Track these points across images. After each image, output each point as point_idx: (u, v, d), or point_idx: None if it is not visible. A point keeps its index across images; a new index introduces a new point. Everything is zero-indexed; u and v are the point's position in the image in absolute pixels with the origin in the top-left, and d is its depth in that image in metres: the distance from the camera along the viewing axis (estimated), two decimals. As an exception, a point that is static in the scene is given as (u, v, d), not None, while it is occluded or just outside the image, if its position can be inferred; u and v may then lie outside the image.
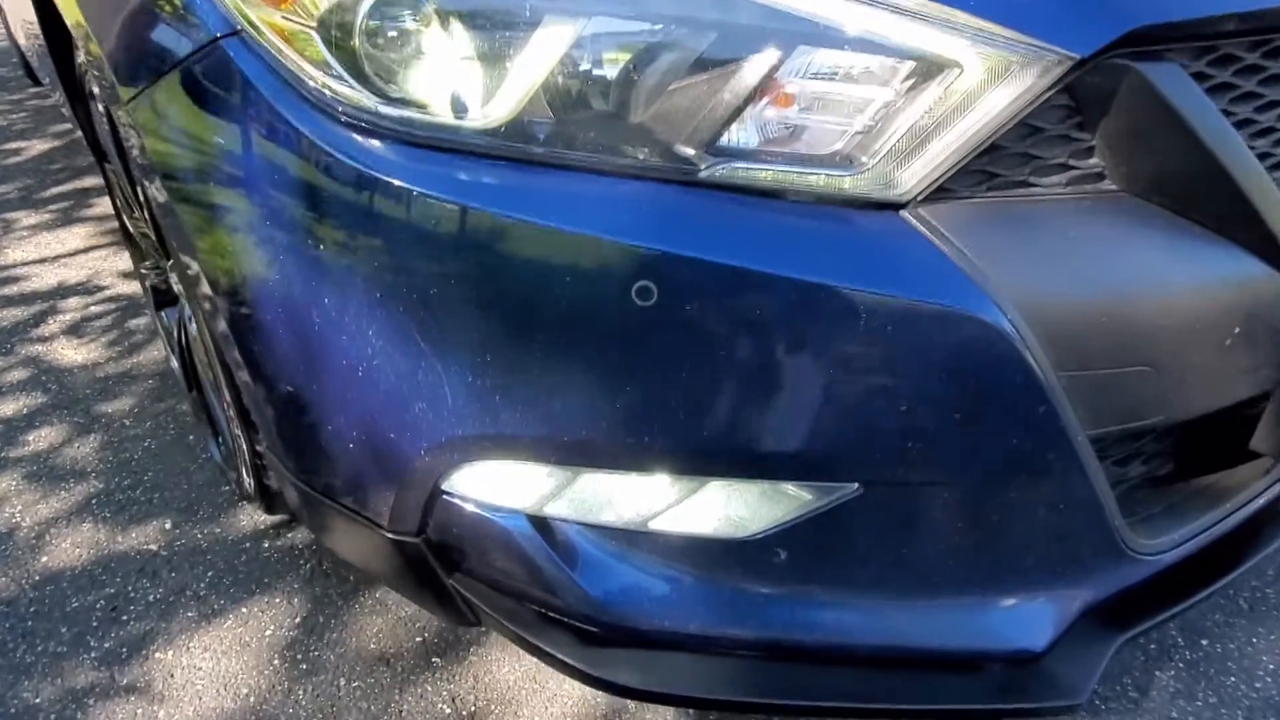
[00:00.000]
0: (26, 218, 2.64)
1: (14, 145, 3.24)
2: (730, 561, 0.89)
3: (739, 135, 0.75)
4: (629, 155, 0.75)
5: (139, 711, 1.18)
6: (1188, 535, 1.02)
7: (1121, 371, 0.83)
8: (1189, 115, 0.77)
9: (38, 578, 1.38)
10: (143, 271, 1.70)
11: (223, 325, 0.99)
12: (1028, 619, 0.94)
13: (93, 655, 1.25)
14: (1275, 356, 0.89)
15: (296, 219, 0.81)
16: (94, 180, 2.89)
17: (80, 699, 1.19)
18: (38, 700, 1.19)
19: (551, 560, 0.90)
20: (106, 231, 2.55)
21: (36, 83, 3.37)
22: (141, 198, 1.30)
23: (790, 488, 0.85)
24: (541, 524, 0.90)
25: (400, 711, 1.18)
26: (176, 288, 1.39)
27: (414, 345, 0.81)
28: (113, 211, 2.63)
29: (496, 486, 0.87)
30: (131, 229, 1.65)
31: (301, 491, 1.06)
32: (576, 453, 0.82)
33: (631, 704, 1.18)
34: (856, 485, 0.84)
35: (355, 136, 0.78)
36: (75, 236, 2.52)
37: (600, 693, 1.19)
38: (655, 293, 0.74)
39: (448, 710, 1.18)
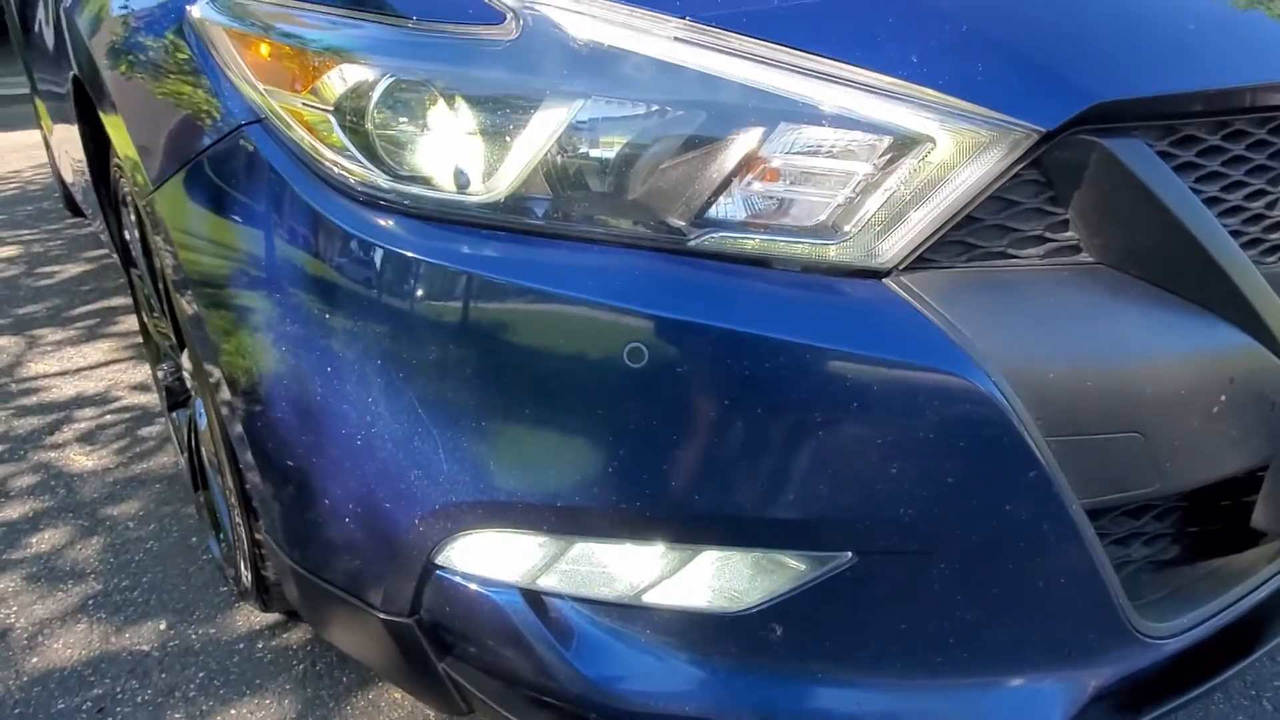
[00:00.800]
0: (52, 334, 2.71)
1: (48, 269, 3.37)
2: (726, 639, 0.88)
3: (726, 207, 0.79)
4: (622, 226, 0.79)
5: (117, 815, 1.13)
6: (1197, 620, 0.99)
7: (1110, 438, 0.83)
8: (1157, 190, 0.80)
9: (26, 678, 1.35)
10: (159, 373, 1.74)
11: (226, 403, 1.02)
12: (1036, 702, 0.90)
13: (74, 757, 1.21)
14: (1265, 428, 0.90)
15: (309, 288, 0.84)
16: (120, 300, 2.99)
17: (57, 802, 1.15)
18: (13, 803, 1.15)
19: (544, 638, 0.88)
20: (128, 346, 2.62)
21: (76, 213, 3.53)
22: (161, 292, 1.35)
23: (784, 558, 0.84)
24: (535, 600, 0.89)
25: (388, 817, 1.13)
26: (188, 379, 1.42)
27: (412, 412, 0.83)
28: (136, 327, 2.72)
29: (489, 559, 0.87)
30: (151, 328, 1.71)
31: (299, 578, 1.05)
32: (569, 520, 0.82)
33: (630, 810, 1.12)
34: (850, 555, 0.83)
35: (367, 211, 0.82)
36: (97, 351, 2.59)
37: (597, 798, 1.14)
38: (646, 355, 0.76)
39: (438, 815, 1.13)
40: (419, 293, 0.81)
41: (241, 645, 1.41)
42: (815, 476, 0.79)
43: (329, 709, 1.28)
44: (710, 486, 0.79)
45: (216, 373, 1.02)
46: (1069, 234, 0.84)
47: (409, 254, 0.81)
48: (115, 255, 2.14)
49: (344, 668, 1.36)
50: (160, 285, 1.39)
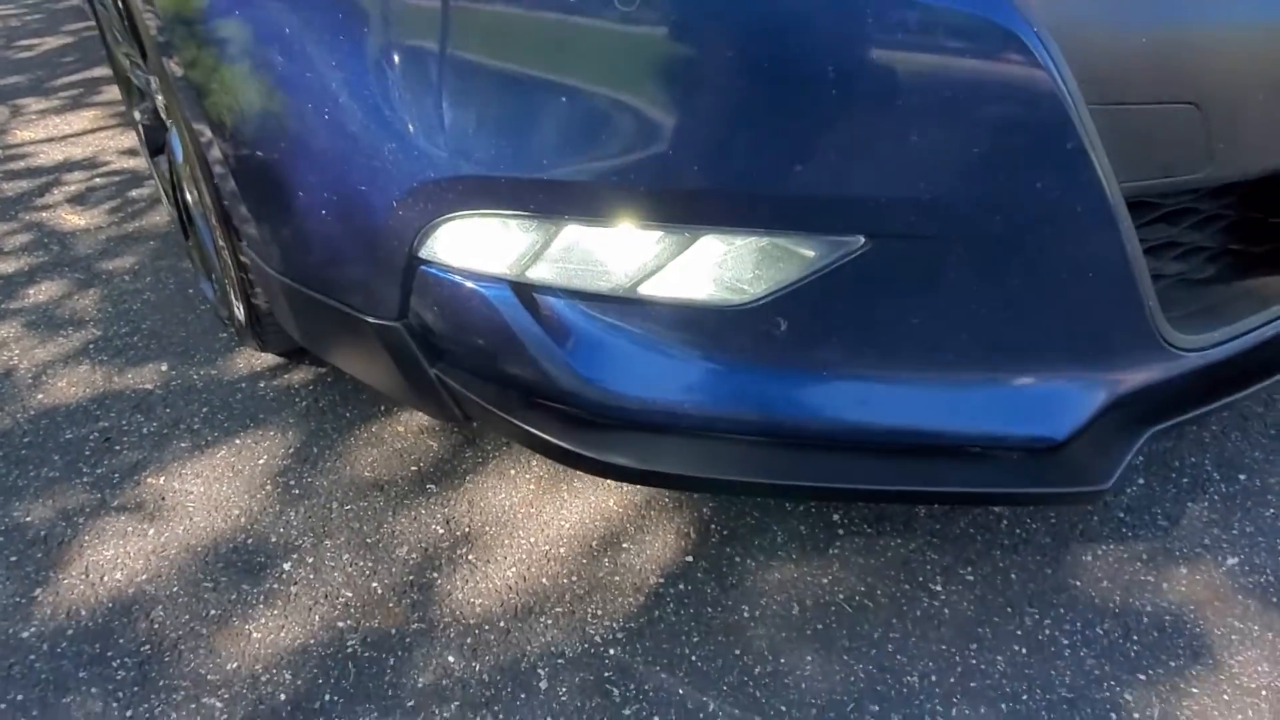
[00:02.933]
0: (35, 103, 2.59)
1: (27, 42, 3.19)
2: (729, 333, 0.83)
3: None
4: None
5: (129, 529, 1.15)
6: (1228, 336, 0.94)
7: (1160, 108, 0.75)
8: None
9: (33, 412, 1.35)
10: (136, 115, 1.65)
11: (194, 109, 0.94)
12: (1050, 404, 0.87)
13: (84, 480, 1.23)
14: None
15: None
16: (103, 70, 2.84)
17: (70, 518, 1.17)
18: (28, 519, 1.17)
19: (538, 336, 0.84)
20: (113, 115, 2.50)
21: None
22: (122, 9, 1.24)
23: (792, 244, 0.78)
24: (527, 295, 0.84)
25: (393, 532, 1.14)
26: (163, 111, 1.34)
27: (378, 73, 0.74)
28: (120, 98, 2.59)
29: (475, 249, 0.82)
30: (121, 61, 1.59)
31: (288, 292, 1.01)
32: (557, 198, 0.76)
33: (629, 525, 1.14)
34: (862, 240, 0.77)
35: None
36: (82, 119, 2.48)
37: (595, 514, 1.15)
38: (640, -6, 0.67)
39: (441, 531, 1.14)
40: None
41: (243, 384, 1.40)
42: (827, 143, 0.71)
43: (332, 440, 1.29)
44: (709, 154, 0.72)
45: (179, 76, 0.94)
46: None
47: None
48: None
49: (346, 404, 1.35)
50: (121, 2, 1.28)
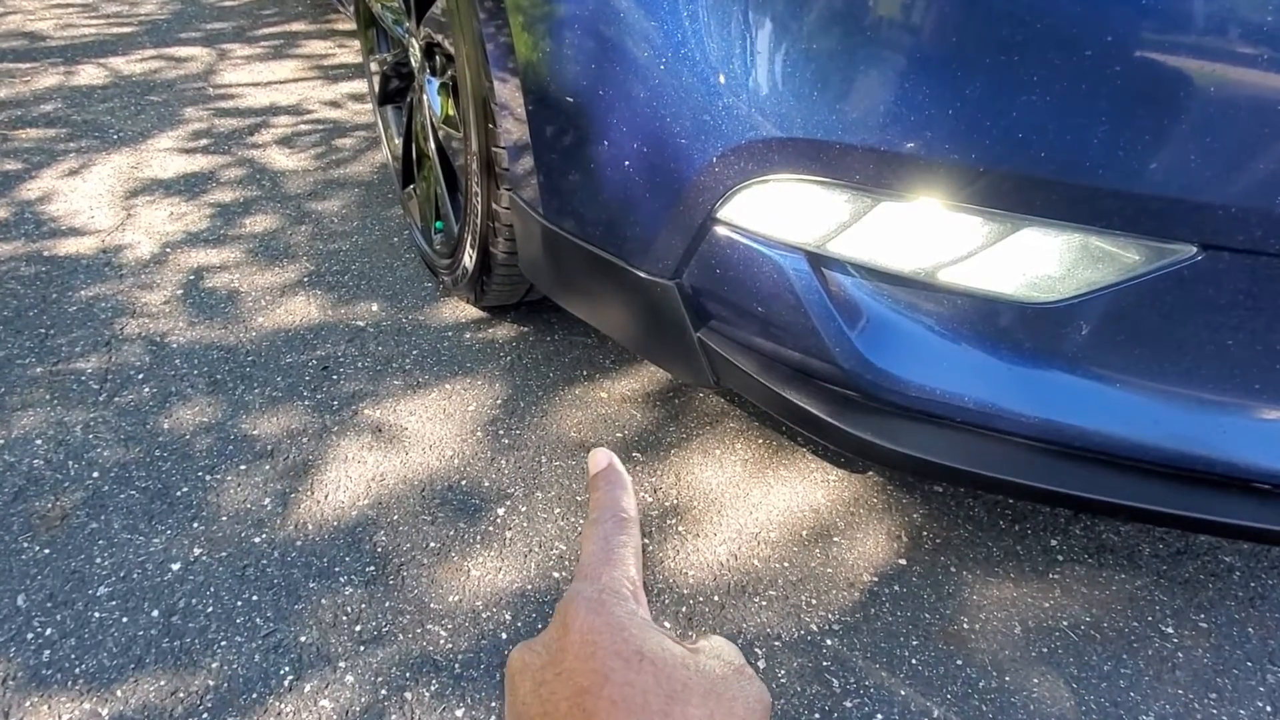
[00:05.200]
0: (240, 49, 2.73)
1: (227, -6, 3.37)
2: (1024, 331, 0.81)
3: None
4: None
5: (348, 455, 1.19)
6: None
7: None
8: None
9: (256, 334, 1.41)
10: (373, 65, 1.71)
11: (503, 53, 0.96)
12: (1356, 450, 0.82)
13: (306, 403, 1.27)
14: None
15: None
16: (302, 25, 2.98)
17: (294, 437, 1.21)
18: (255, 433, 1.22)
19: (826, 310, 0.83)
20: (313, 67, 2.62)
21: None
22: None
23: (1115, 246, 0.76)
24: (819, 269, 0.83)
25: (602, 493, 1.15)
26: (415, 61, 1.38)
27: (726, 26, 0.75)
28: (320, 51, 2.71)
29: (780, 215, 0.81)
30: (378, 12, 1.65)
31: (550, 239, 1.03)
32: (886, 170, 0.75)
33: (838, 519, 1.12)
34: (1195, 249, 0.74)
35: None
36: (285, 69, 2.59)
37: (804, 505, 1.14)
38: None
39: (650, 499, 1.15)
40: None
41: (450, 333, 1.44)
42: (1187, 141, 0.68)
43: (537, 397, 1.31)
44: (1058, 140, 0.70)
45: (484, 17, 0.96)
46: None
47: None
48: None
49: (549, 364, 1.38)
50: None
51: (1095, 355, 0.81)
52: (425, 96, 1.34)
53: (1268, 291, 0.75)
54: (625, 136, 0.85)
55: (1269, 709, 0.93)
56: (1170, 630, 1.01)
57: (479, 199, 1.16)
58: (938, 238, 0.78)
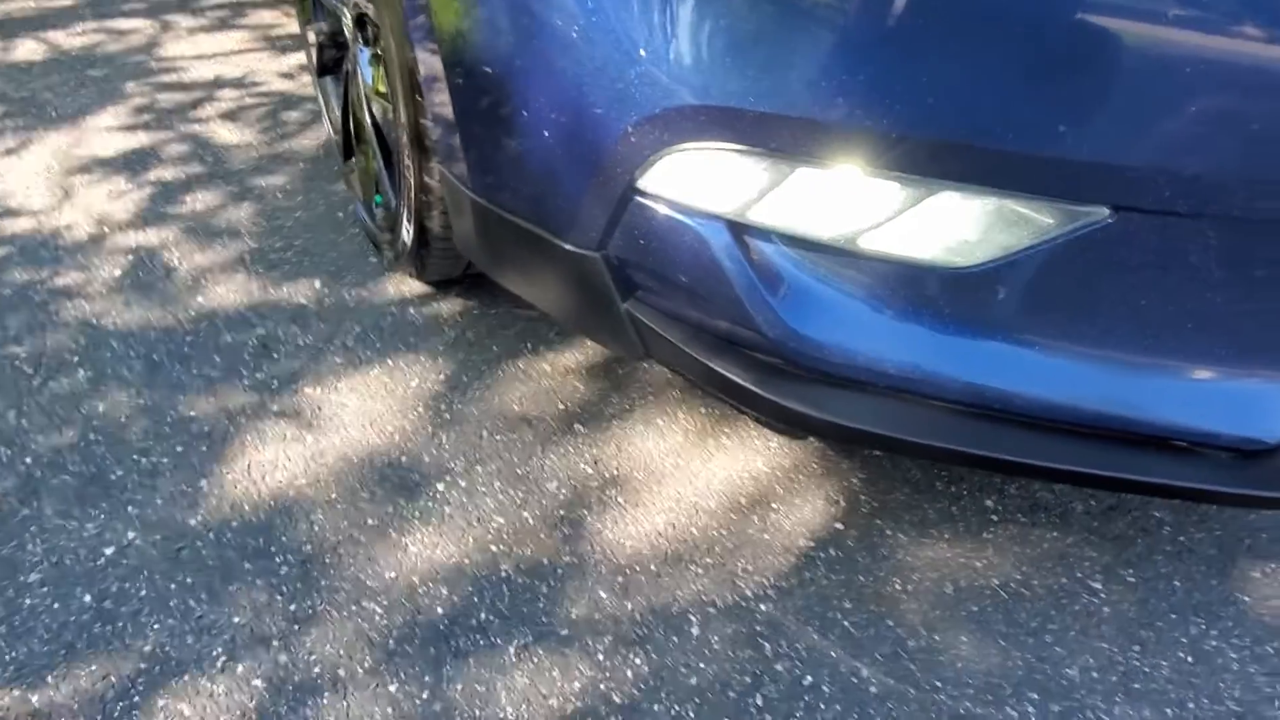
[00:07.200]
0: (184, 21, 2.66)
1: (173, -36, 3.28)
2: (944, 295, 0.81)
3: None
4: None
5: (287, 434, 1.18)
6: None
7: None
8: None
9: (194, 313, 1.39)
10: (310, 35, 1.68)
11: (425, 26, 0.94)
12: (1266, 406, 0.83)
13: (245, 383, 1.26)
14: None
15: None
16: (249, -4, 2.91)
17: (233, 417, 1.20)
18: (192, 413, 1.21)
19: (749, 278, 0.83)
20: (260, 38, 2.56)
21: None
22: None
23: (1029, 209, 0.76)
24: (741, 236, 0.83)
25: (542, 466, 1.15)
26: (348, 30, 1.35)
27: (639, -2, 0.74)
28: (267, 21, 2.65)
29: (699, 184, 0.81)
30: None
31: (479, 212, 1.01)
32: (802, 137, 0.74)
33: (777, 487, 1.13)
34: (1107, 211, 0.74)
35: None
36: (231, 40, 2.53)
37: (743, 473, 1.15)
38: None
39: (589, 470, 1.15)
40: None
41: (393, 309, 1.42)
42: (1099, 105, 0.69)
43: (480, 371, 1.30)
44: (973, 105, 0.70)
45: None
46: None
47: None
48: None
49: (493, 338, 1.37)
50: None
51: (1015, 319, 0.82)
52: (359, 68, 1.32)
53: (1178, 252, 0.76)
54: (544, 107, 0.84)
55: (1190, 659, 0.96)
56: (1098, 585, 1.03)
57: (411, 172, 1.14)
58: (856, 204, 0.78)
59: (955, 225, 0.78)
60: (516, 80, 0.85)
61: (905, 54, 0.69)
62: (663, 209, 0.83)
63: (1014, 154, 0.71)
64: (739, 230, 0.83)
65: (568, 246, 0.92)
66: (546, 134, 0.85)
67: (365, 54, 1.28)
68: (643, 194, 0.83)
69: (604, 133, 0.80)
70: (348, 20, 1.34)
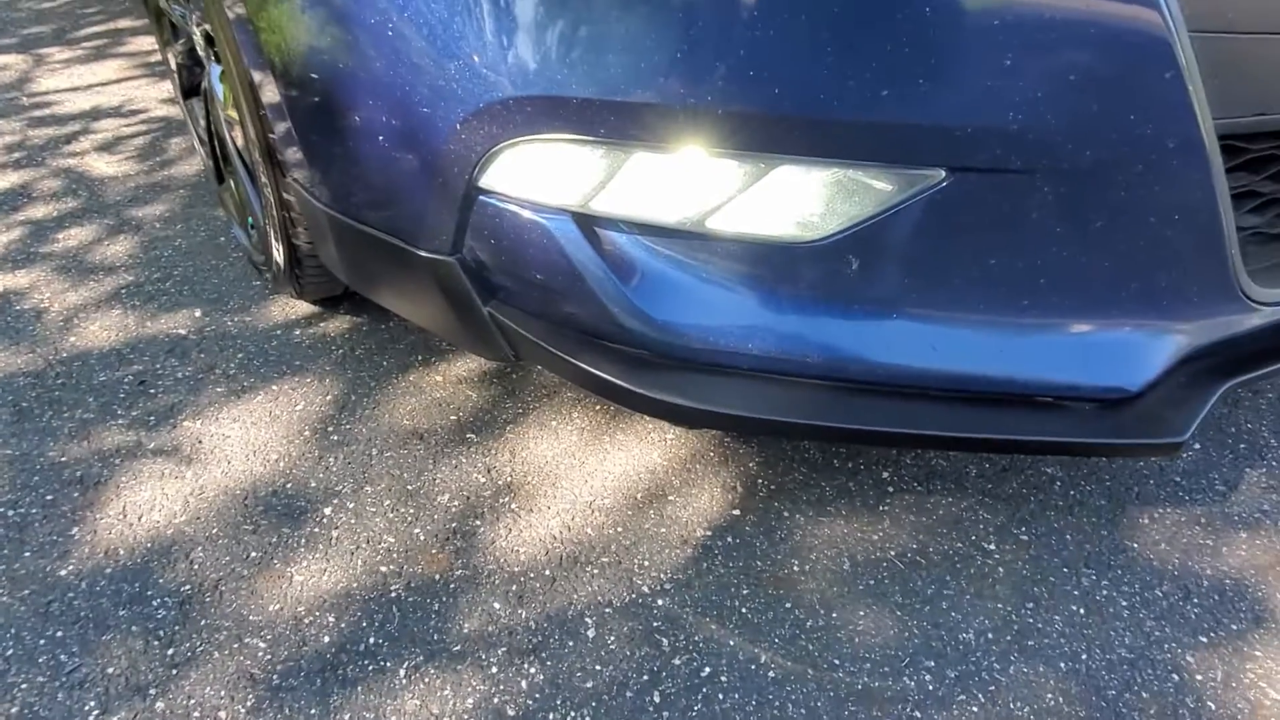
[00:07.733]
0: (59, 53, 2.56)
1: (49, -5, 3.16)
2: (798, 271, 0.81)
3: None
4: None
5: (165, 471, 1.13)
6: (1307, 291, 0.91)
7: (1264, 38, 0.71)
8: None
9: (65, 355, 1.33)
10: (171, 58, 1.62)
11: (244, 39, 0.91)
12: (1125, 354, 0.84)
13: (120, 422, 1.21)
14: None
15: None
16: (127, 22, 2.81)
17: (106, 459, 1.15)
18: (64, 459, 1.15)
19: (600, 270, 0.82)
20: (140, 65, 2.48)
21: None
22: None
23: (869, 177, 0.75)
24: (589, 229, 0.81)
25: (434, 479, 1.12)
26: (199, 48, 1.31)
27: (450, -8, 0.71)
28: (147, 48, 2.57)
29: (538, 178, 0.79)
30: (163, 4, 1.56)
31: (336, 226, 0.98)
32: (630, 121, 0.73)
33: (674, 478, 1.12)
34: (943, 174, 0.74)
35: None
36: (108, 69, 2.45)
37: (639, 467, 1.13)
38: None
39: (483, 480, 1.12)
40: None
41: (278, 332, 1.38)
42: (915, 67, 0.68)
43: (370, 388, 1.27)
44: (790, 76, 0.69)
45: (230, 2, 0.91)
46: None
47: None
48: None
49: (383, 353, 1.33)
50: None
51: (869, 289, 0.81)
52: (213, 85, 1.27)
53: (1017, 208, 0.76)
54: (374, 110, 0.81)
55: (1082, 611, 0.96)
56: (992, 547, 1.04)
57: (270, 190, 1.11)
58: (697, 185, 0.77)
59: (799, 199, 0.77)
60: (343, 84, 0.82)
61: (716, 28, 0.67)
62: (507, 206, 0.81)
63: (842, 122, 0.71)
64: (586, 222, 0.81)
65: (423, 253, 0.89)
66: (381, 138, 0.82)
67: (216, 70, 1.23)
68: (485, 192, 0.81)
69: (434, 132, 0.77)
70: (198, 38, 1.30)
